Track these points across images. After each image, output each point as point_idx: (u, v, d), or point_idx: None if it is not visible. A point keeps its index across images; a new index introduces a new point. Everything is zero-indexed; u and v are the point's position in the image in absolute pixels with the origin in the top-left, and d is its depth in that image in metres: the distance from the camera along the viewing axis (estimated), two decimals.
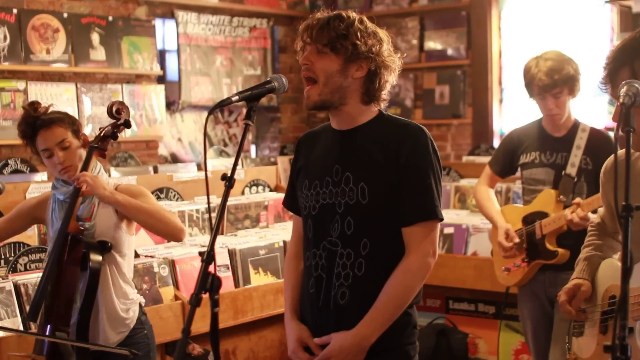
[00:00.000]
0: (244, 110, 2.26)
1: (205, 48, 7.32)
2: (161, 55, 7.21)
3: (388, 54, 2.59)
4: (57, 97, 6.01)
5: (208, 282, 2.09)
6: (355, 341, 2.54)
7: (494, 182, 4.35)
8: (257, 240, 4.83)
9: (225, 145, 7.68)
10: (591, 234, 2.79)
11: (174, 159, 7.25)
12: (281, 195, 5.27)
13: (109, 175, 3.49)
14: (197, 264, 4.28)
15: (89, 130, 6.03)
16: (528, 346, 4.20)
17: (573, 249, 3.57)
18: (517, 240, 4.01)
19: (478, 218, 5.39)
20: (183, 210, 4.86)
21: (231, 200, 5.16)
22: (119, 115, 3.34)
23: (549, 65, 3.90)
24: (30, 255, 3.99)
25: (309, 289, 2.68)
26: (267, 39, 7.83)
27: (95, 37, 6.31)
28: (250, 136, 8.03)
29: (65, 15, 6.13)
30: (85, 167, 3.23)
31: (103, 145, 3.30)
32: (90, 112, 6.23)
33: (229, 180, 2.24)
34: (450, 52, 7.42)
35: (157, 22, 6.97)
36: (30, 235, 4.18)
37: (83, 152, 3.29)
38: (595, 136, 3.98)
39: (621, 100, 2.14)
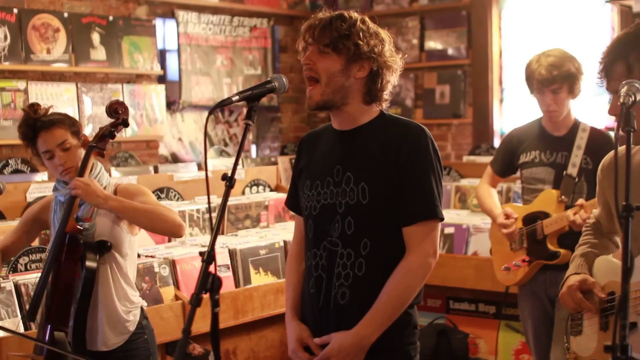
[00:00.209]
0: (245, 110, 2.27)
1: (205, 48, 7.32)
2: (162, 55, 7.21)
3: (390, 54, 2.60)
4: (58, 97, 6.01)
5: (208, 282, 2.09)
6: (355, 341, 2.54)
7: (495, 182, 4.36)
8: (257, 240, 4.83)
9: (226, 145, 7.68)
10: (587, 233, 2.78)
11: (175, 159, 7.25)
12: (282, 195, 5.27)
13: (109, 175, 3.49)
14: (198, 263, 4.28)
15: (90, 131, 6.03)
16: (529, 346, 4.20)
17: (574, 250, 3.56)
18: (516, 215, 4.01)
19: (479, 218, 5.39)
20: (183, 210, 4.86)
21: (232, 200, 5.16)
22: (117, 114, 3.35)
23: (550, 61, 3.91)
24: (30, 255, 3.99)
25: (309, 289, 2.68)
26: (267, 39, 7.83)
27: (95, 37, 6.30)
28: (250, 136, 8.02)
29: (65, 15, 6.13)
30: (83, 167, 3.22)
31: (101, 145, 3.29)
32: (91, 112, 6.23)
33: (229, 180, 2.24)
34: (450, 51, 7.42)
35: (158, 22, 6.96)
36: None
37: (84, 153, 3.29)
38: (596, 136, 3.98)
39: (622, 100, 2.14)
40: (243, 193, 5.59)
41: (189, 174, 5.40)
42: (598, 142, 3.94)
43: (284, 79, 2.55)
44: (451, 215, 5.55)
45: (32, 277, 3.81)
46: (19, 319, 3.69)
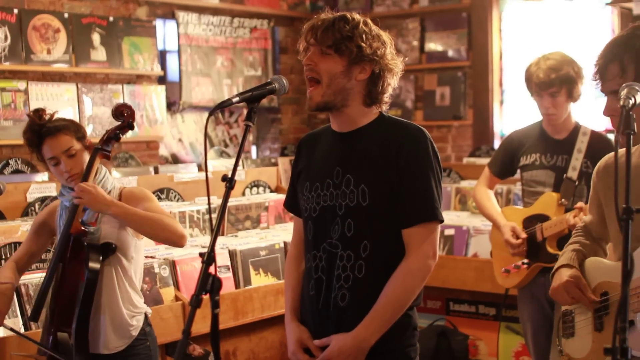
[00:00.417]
0: (245, 111, 2.27)
1: (205, 49, 7.32)
2: (162, 56, 7.21)
3: (391, 57, 2.60)
4: (58, 98, 6.01)
5: (208, 283, 2.09)
6: (355, 343, 2.54)
7: (493, 184, 4.35)
8: (257, 241, 4.83)
9: (226, 146, 7.69)
10: (577, 234, 2.76)
11: (175, 160, 7.25)
12: (282, 197, 5.27)
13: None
14: (198, 264, 4.28)
15: (90, 131, 6.03)
16: (528, 348, 4.20)
17: None
18: (524, 235, 4.00)
19: (479, 220, 5.39)
20: (184, 211, 4.86)
21: (232, 201, 5.16)
22: (123, 117, 3.35)
23: (549, 64, 3.92)
24: None
25: (309, 290, 2.68)
26: (267, 40, 7.84)
27: (96, 38, 6.31)
28: (251, 137, 8.03)
29: (66, 15, 6.13)
30: (88, 170, 3.22)
31: (107, 148, 3.30)
32: (91, 112, 6.23)
33: (229, 182, 2.24)
34: (450, 53, 7.42)
35: (158, 23, 6.97)
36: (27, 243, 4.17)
37: (88, 157, 3.29)
38: (596, 139, 3.98)
39: (622, 102, 2.14)
40: (243, 194, 5.59)
41: (189, 175, 5.40)
42: (598, 145, 3.93)
43: (284, 81, 2.55)
44: (451, 217, 5.55)
45: (32, 278, 3.80)
46: (20, 320, 3.69)
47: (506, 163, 4.23)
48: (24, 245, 3.46)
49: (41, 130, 3.24)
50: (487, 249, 4.82)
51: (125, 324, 3.28)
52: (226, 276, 4.49)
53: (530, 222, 4.04)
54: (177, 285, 4.31)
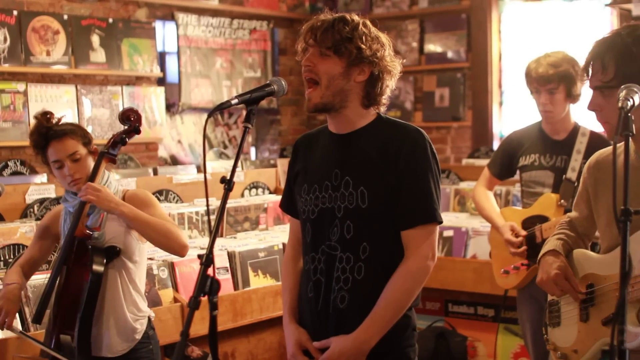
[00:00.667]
0: (245, 112, 2.27)
1: (205, 50, 7.33)
2: (161, 57, 7.21)
3: (390, 58, 2.60)
4: (57, 99, 6.01)
5: (207, 285, 2.09)
6: (355, 345, 2.54)
7: (492, 185, 4.35)
8: (256, 242, 4.83)
9: (225, 147, 7.68)
10: (562, 227, 2.78)
11: (174, 161, 7.25)
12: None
13: None
14: (197, 266, 4.28)
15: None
16: (527, 349, 4.20)
17: None
18: (523, 233, 4.00)
19: (477, 221, 5.38)
20: (182, 212, 4.86)
21: (231, 203, 5.16)
22: (129, 121, 3.36)
23: (549, 60, 3.92)
24: None
25: (307, 292, 2.67)
26: (267, 41, 7.84)
27: (95, 39, 6.31)
28: (250, 138, 8.03)
29: (65, 17, 6.13)
30: (94, 174, 3.23)
31: (113, 152, 3.31)
32: (90, 114, 6.23)
33: (228, 183, 2.24)
34: (450, 54, 7.43)
35: (157, 24, 6.97)
36: (30, 237, 4.18)
37: (92, 163, 3.29)
38: (596, 140, 3.98)
39: (620, 104, 2.15)
40: (242, 195, 5.59)
41: (188, 176, 5.40)
42: (598, 146, 3.90)
43: (283, 82, 2.55)
44: (450, 218, 5.55)
45: (31, 280, 3.79)
46: (19, 321, 3.68)
47: (505, 164, 4.23)
48: (29, 250, 3.47)
49: (48, 132, 3.25)
50: (486, 250, 4.83)
51: (129, 328, 3.28)
52: (225, 278, 4.50)
53: (530, 223, 4.03)
54: (175, 287, 4.31)
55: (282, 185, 5.83)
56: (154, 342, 3.39)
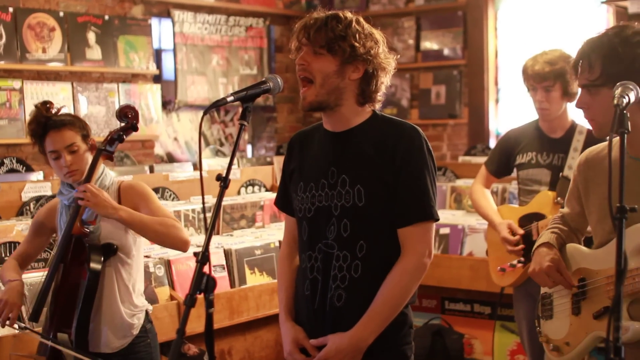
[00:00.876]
0: (241, 110, 2.27)
1: (201, 47, 7.32)
2: (157, 55, 7.20)
3: (384, 55, 2.59)
4: (53, 96, 6.00)
5: (203, 283, 2.09)
6: (353, 342, 2.54)
7: (489, 182, 4.35)
8: (252, 240, 4.82)
9: (222, 144, 7.68)
10: (555, 222, 2.82)
11: (170, 159, 7.24)
12: None
13: None
14: (193, 264, 4.26)
15: None
16: (523, 347, 4.20)
17: None
18: (521, 231, 4.00)
19: (474, 218, 5.39)
20: (179, 210, 4.85)
21: (227, 200, 5.16)
22: (127, 118, 3.35)
23: (546, 58, 3.93)
24: None
25: (304, 291, 2.67)
26: (263, 39, 7.83)
27: (91, 36, 6.30)
28: (246, 136, 8.03)
29: (61, 14, 6.12)
30: (91, 170, 3.22)
31: (110, 148, 3.30)
32: (87, 111, 6.22)
33: (223, 181, 2.24)
34: (446, 52, 7.42)
35: (154, 21, 6.96)
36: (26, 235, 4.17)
37: (90, 157, 3.28)
38: (593, 139, 3.97)
39: (615, 101, 2.17)
40: (239, 193, 5.59)
41: (185, 174, 5.39)
42: (595, 144, 3.92)
43: (279, 79, 2.55)
44: (446, 216, 5.55)
45: (28, 277, 3.79)
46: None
47: (502, 161, 4.23)
48: (24, 244, 3.48)
49: (47, 122, 3.24)
50: (482, 248, 4.83)
51: (125, 324, 3.28)
52: (221, 275, 4.49)
53: (526, 220, 4.03)
54: (172, 285, 4.31)
55: (279, 183, 5.83)
56: (151, 335, 3.40)
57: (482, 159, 4.82)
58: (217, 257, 4.51)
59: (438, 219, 2.61)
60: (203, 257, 2.11)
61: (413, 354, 2.68)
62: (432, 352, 5.36)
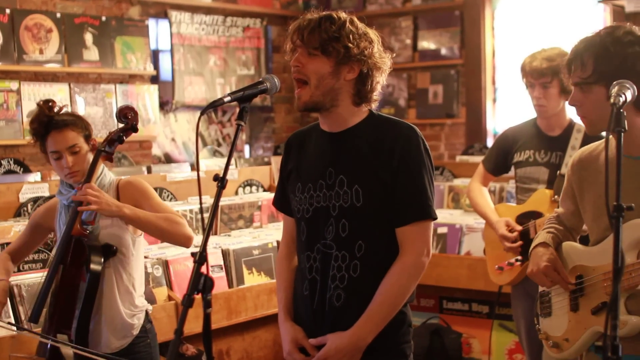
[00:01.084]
0: (238, 110, 2.28)
1: (198, 48, 7.32)
2: (154, 55, 7.20)
3: (379, 55, 2.60)
4: (51, 97, 5.99)
5: (200, 283, 2.09)
6: (352, 341, 2.54)
7: (487, 181, 4.36)
8: (250, 240, 4.82)
9: (219, 145, 7.68)
10: (551, 222, 2.86)
11: (168, 159, 7.24)
12: None
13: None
14: (191, 264, 4.26)
15: None
16: (522, 345, 4.20)
17: None
18: (519, 228, 4.00)
19: (472, 218, 5.39)
20: (177, 210, 4.84)
21: (225, 201, 5.16)
22: (127, 119, 3.34)
23: (544, 55, 3.94)
24: None
25: (302, 291, 2.68)
26: (260, 39, 7.83)
27: (88, 37, 6.30)
28: (244, 136, 8.03)
29: (58, 15, 6.12)
30: (91, 171, 3.21)
31: (110, 149, 3.29)
32: (84, 112, 6.22)
33: (220, 181, 2.24)
34: (443, 51, 7.43)
35: (151, 22, 6.96)
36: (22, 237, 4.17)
37: (91, 157, 3.28)
38: (590, 137, 3.98)
39: (612, 100, 2.19)
40: (236, 193, 5.59)
41: (182, 174, 5.39)
42: (593, 142, 3.93)
43: (276, 80, 2.55)
44: (444, 215, 5.56)
45: (25, 278, 3.80)
46: (12, 320, 3.68)
47: (500, 160, 4.23)
48: (18, 240, 3.49)
49: (49, 122, 3.23)
50: (480, 247, 4.83)
51: (125, 324, 3.28)
52: (219, 275, 4.49)
53: (524, 219, 4.04)
54: (170, 285, 4.31)
55: (276, 183, 5.83)
56: (151, 335, 3.39)
57: (479, 159, 4.82)
58: (214, 258, 4.51)
59: (436, 218, 2.62)
60: (201, 258, 2.11)
61: (412, 353, 2.68)
62: (431, 351, 5.37)
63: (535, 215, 3.98)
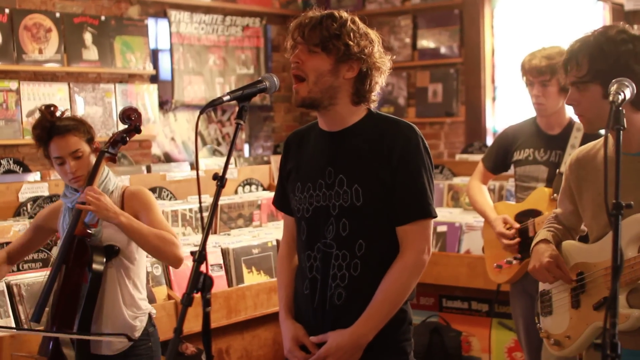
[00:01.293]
0: (237, 109, 2.29)
1: (198, 47, 7.32)
2: (154, 55, 7.20)
3: (379, 55, 2.60)
4: (50, 97, 6.00)
5: (200, 282, 2.09)
6: (353, 339, 2.55)
7: (486, 179, 4.36)
8: (250, 239, 4.83)
9: (219, 144, 7.68)
10: (550, 222, 2.89)
11: (167, 159, 7.24)
12: None
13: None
14: (191, 263, 4.27)
15: None
16: (520, 343, 4.21)
17: None
18: (517, 225, 4.00)
19: (471, 216, 5.39)
20: (176, 209, 4.85)
21: (224, 200, 5.16)
22: (130, 120, 3.34)
23: (543, 53, 3.94)
24: None
25: (303, 290, 2.68)
26: (260, 38, 7.83)
27: (87, 37, 6.30)
28: (243, 135, 8.03)
29: (57, 14, 6.12)
30: (94, 173, 3.22)
31: (113, 151, 3.29)
32: (83, 111, 6.22)
33: (220, 180, 2.24)
34: (443, 50, 7.43)
35: (150, 22, 6.96)
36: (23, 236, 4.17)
37: (94, 159, 3.29)
38: (590, 136, 3.98)
39: (611, 98, 2.20)
40: (236, 192, 5.59)
41: (182, 174, 5.39)
42: (592, 141, 3.93)
43: (275, 79, 2.55)
44: (444, 214, 5.56)
45: (24, 278, 3.80)
46: (12, 320, 3.68)
47: (500, 158, 4.24)
48: (20, 239, 3.49)
49: (51, 127, 3.23)
50: (479, 246, 4.83)
51: (128, 326, 3.27)
52: (219, 274, 4.50)
53: (523, 217, 4.04)
54: (169, 284, 4.32)
55: (276, 182, 5.83)
56: (153, 339, 3.38)
57: (479, 157, 4.82)
58: (214, 257, 4.51)
59: (436, 216, 2.62)
60: (200, 256, 2.11)
61: (412, 351, 2.69)
62: (430, 349, 5.37)
63: (535, 213, 3.98)
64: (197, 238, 4.79)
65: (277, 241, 4.79)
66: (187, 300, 2.06)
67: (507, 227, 4.02)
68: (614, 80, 2.29)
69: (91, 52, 6.31)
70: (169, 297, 4.26)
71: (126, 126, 3.35)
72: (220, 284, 4.46)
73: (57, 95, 6.07)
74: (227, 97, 2.38)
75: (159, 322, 4.04)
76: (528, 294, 4.01)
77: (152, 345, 3.37)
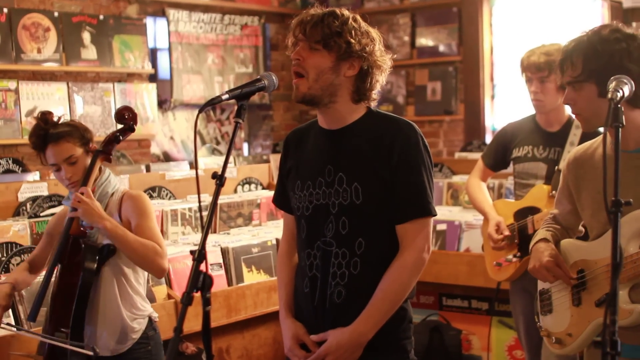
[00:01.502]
0: (236, 108, 2.28)
1: (196, 46, 7.32)
2: (153, 54, 7.20)
3: (380, 53, 2.60)
4: (49, 97, 6.00)
5: (199, 281, 2.09)
6: (353, 337, 2.55)
7: (486, 176, 4.36)
8: (249, 238, 4.83)
9: (218, 143, 7.68)
10: (548, 222, 2.91)
11: (166, 158, 7.24)
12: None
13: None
14: (190, 262, 4.28)
15: None
16: (520, 342, 4.21)
17: None
18: (507, 233, 4.01)
19: (471, 214, 5.39)
20: (175, 209, 4.85)
21: (224, 199, 5.16)
22: (124, 120, 3.34)
23: (542, 50, 3.94)
24: (22, 255, 3.99)
25: (303, 288, 2.68)
26: (258, 37, 7.83)
27: (86, 36, 6.29)
28: (242, 134, 8.03)
29: (56, 14, 6.12)
30: (89, 173, 3.22)
31: (107, 150, 3.29)
32: (82, 111, 6.22)
33: (219, 179, 2.24)
34: (441, 48, 7.43)
35: (149, 21, 6.95)
36: (23, 236, 4.18)
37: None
38: (589, 133, 3.98)
39: (610, 95, 2.21)
40: (235, 191, 5.59)
41: (181, 173, 5.39)
42: (591, 139, 3.93)
43: (274, 77, 2.55)
44: (443, 212, 5.56)
45: None
46: (12, 320, 3.68)
47: (499, 155, 4.24)
48: (37, 249, 3.49)
49: (46, 134, 3.23)
50: (479, 244, 4.83)
51: (125, 327, 3.26)
52: (218, 274, 4.50)
53: (522, 214, 4.04)
54: (169, 284, 4.31)
55: (275, 181, 5.83)
56: (153, 343, 3.36)
57: (478, 155, 4.82)
58: (214, 256, 4.51)
59: (435, 215, 2.62)
60: (200, 256, 2.11)
61: (413, 349, 2.69)
62: (430, 348, 5.37)
63: (533, 210, 3.98)
64: (197, 237, 4.79)
65: (277, 240, 4.79)
66: (187, 300, 2.06)
67: (498, 231, 4.05)
68: (612, 78, 2.29)
69: (90, 52, 6.31)
70: (169, 297, 4.25)
71: (121, 126, 3.35)
72: (220, 283, 4.47)
73: (55, 94, 6.07)
74: (226, 96, 2.37)
75: (159, 322, 4.03)
76: (528, 292, 4.01)
77: (151, 349, 3.35)
